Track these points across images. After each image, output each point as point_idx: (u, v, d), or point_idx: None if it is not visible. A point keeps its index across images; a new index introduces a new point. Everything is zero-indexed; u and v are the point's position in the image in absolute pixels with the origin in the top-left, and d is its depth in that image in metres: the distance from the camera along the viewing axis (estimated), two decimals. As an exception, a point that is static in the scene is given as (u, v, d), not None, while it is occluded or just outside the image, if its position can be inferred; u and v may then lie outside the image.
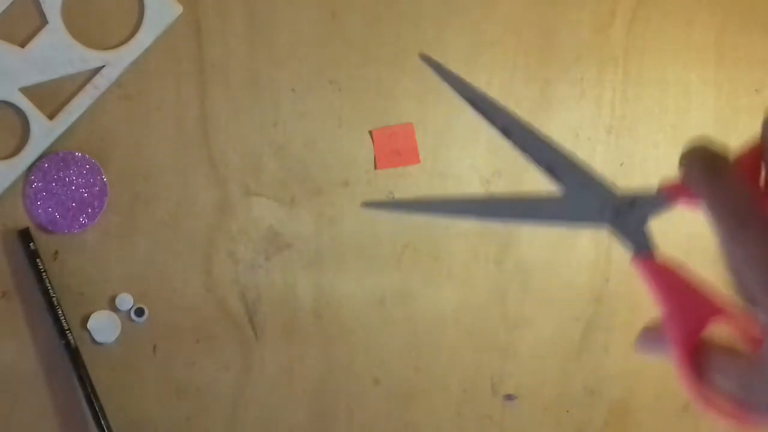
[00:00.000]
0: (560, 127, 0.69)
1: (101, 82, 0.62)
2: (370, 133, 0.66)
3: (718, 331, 0.38)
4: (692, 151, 0.37)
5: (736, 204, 0.35)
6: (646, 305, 0.75)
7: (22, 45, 0.61)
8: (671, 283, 0.39)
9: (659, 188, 0.40)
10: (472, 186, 0.68)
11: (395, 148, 0.66)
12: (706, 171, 0.36)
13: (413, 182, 0.67)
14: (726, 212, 0.35)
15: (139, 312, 0.63)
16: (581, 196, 0.42)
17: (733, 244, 0.35)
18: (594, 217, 0.41)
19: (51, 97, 0.61)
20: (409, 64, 0.66)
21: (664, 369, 0.72)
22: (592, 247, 0.70)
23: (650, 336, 0.40)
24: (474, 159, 0.67)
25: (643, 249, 0.40)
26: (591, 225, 0.42)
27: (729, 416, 0.37)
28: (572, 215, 0.42)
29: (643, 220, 0.41)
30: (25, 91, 0.61)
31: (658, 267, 0.40)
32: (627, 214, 0.41)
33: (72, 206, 0.62)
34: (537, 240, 0.69)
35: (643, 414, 0.72)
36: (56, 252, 0.62)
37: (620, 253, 0.69)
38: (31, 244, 0.61)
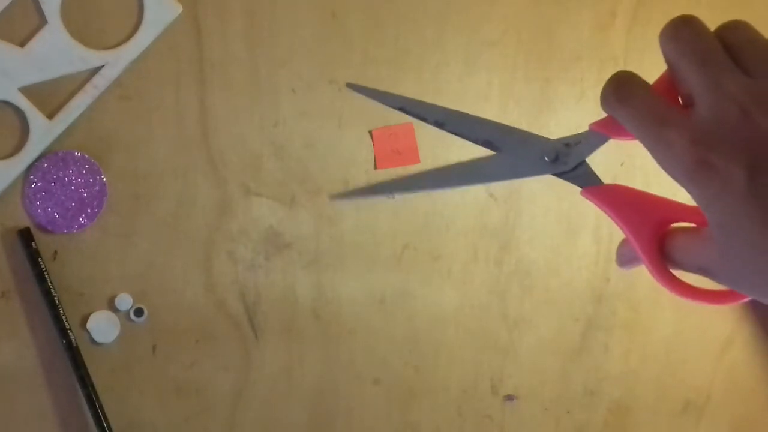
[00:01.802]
0: (560, 127, 0.68)
1: (101, 82, 0.62)
2: (370, 133, 0.66)
3: (676, 226, 0.41)
4: (606, 82, 0.40)
5: (651, 108, 0.38)
6: (646, 305, 0.75)
7: (22, 45, 0.61)
8: (621, 198, 0.42)
9: (590, 127, 0.43)
10: (472, 186, 0.67)
11: (395, 148, 0.66)
12: (621, 88, 0.39)
13: (413, 182, 0.67)
14: (644, 118, 0.38)
15: (139, 312, 0.63)
16: (520, 151, 0.46)
17: (656, 143, 0.37)
18: (535, 164, 0.46)
19: (50, 96, 0.61)
20: (409, 64, 0.66)
21: (664, 369, 0.73)
22: (592, 247, 0.70)
23: (624, 251, 0.43)
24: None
25: (588, 183, 0.44)
26: (534, 173, 0.46)
27: (698, 297, 0.40)
28: (516, 169, 0.47)
29: (581, 159, 0.44)
30: (25, 90, 0.61)
31: (606, 189, 0.43)
32: (566, 156, 0.45)
33: (71, 206, 0.62)
34: (537, 240, 0.69)
35: (643, 414, 0.72)
36: (55, 252, 0.62)
37: (620, 253, 0.70)
38: (33, 243, 0.61)
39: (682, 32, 0.38)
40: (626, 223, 0.41)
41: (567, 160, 0.45)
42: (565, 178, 0.45)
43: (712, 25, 0.42)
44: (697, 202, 0.36)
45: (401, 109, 0.52)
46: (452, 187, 0.53)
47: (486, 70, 0.67)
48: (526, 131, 0.47)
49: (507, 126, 0.48)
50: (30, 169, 0.62)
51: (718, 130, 0.35)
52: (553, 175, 0.45)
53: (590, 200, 0.44)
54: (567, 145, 0.45)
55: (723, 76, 0.36)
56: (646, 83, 0.39)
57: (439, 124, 0.49)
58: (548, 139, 0.46)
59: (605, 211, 0.43)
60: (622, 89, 0.39)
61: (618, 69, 0.69)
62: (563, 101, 0.69)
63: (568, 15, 0.68)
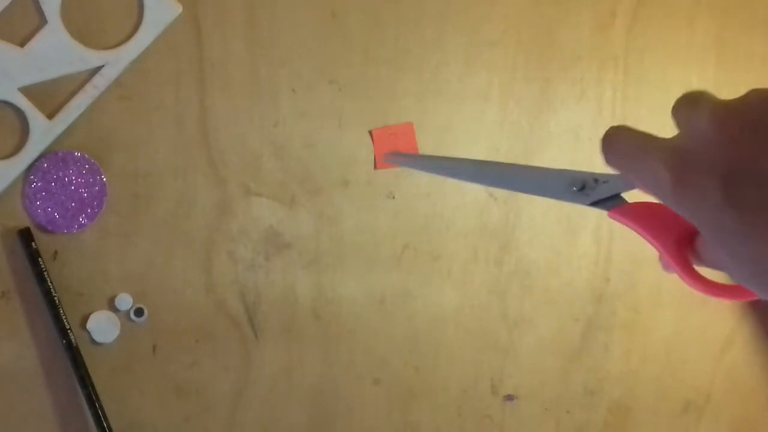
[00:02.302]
0: (560, 127, 0.68)
1: (101, 82, 0.62)
2: (370, 133, 0.66)
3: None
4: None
5: (631, 142, 0.39)
6: (647, 305, 0.75)
7: (22, 44, 0.61)
8: (645, 213, 0.45)
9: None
10: (471, 185, 0.67)
11: (395, 148, 0.66)
12: (606, 141, 0.41)
13: (413, 182, 0.67)
14: (626, 154, 0.39)
15: (139, 312, 0.63)
16: (551, 178, 0.49)
17: (639, 173, 0.38)
18: (565, 190, 0.48)
19: (50, 96, 0.61)
20: (409, 64, 0.66)
21: (664, 369, 0.73)
22: (592, 248, 0.70)
23: (662, 260, 0.45)
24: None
25: (614, 206, 0.47)
26: (563, 198, 0.49)
27: (722, 294, 0.42)
28: (546, 190, 0.50)
29: (607, 194, 0.47)
30: (25, 90, 0.61)
31: (630, 208, 0.46)
32: (592, 188, 0.47)
33: (71, 206, 0.62)
34: (537, 240, 0.69)
35: (643, 414, 0.72)
36: (55, 252, 0.62)
37: (620, 253, 0.70)
38: (33, 243, 0.61)
39: (688, 97, 0.39)
40: (651, 234, 0.44)
41: (593, 192, 0.47)
42: (590, 206, 0.48)
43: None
44: (685, 218, 0.36)
45: (435, 172, 0.57)
46: (487, 186, 0.58)
47: (486, 70, 0.67)
48: (558, 168, 0.49)
49: (537, 167, 0.51)
50: (30, 169, 0.62)
51: (692, 146, 0.36)
52: (579, 204, 0.48)
53: (617, 221, 0.46)
54: (596, 180, 0.47)
55: (701, 101, 0.37)
56: (627, 127, 0.41)
57: (473, 179, 0.53)
58: (579, 171, 0.48)
59: (632, 228, 0.45)
60: (606, 141, 0.41)
61: (618, 69, 0.70)
62: (563, 101, 0.68)
63: (568, 15, 0.68)
